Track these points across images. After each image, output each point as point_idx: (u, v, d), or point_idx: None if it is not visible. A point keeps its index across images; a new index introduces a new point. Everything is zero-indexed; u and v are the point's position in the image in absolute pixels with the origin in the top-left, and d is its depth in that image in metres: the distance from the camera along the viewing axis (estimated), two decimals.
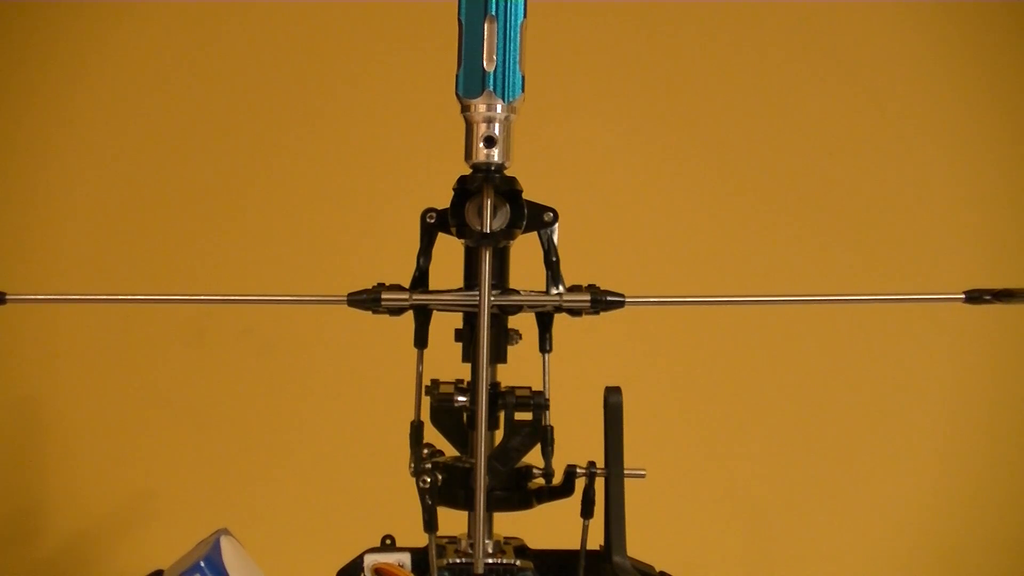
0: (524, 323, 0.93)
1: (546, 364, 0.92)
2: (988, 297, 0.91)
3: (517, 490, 0.92)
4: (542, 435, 0.91)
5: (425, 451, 0.92)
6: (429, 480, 0.86)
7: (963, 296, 0.92)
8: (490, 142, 0.86)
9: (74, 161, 1.64)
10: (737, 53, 1.66)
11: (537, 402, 0.91)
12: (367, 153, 1.64)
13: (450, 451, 0.94)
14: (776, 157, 1.66)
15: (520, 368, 0.94)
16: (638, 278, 1.51)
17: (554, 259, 0.91)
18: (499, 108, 0.85)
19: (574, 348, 0.99)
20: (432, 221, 0.91)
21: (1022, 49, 1.64)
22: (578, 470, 0.92)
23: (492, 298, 0.87)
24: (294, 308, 1.60)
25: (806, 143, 1.66)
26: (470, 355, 0.91)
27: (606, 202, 1.64)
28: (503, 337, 0.92)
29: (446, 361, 0.93)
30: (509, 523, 0.94)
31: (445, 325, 0.93)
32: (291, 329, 1.63)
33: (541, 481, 0.92)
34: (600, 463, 0.92)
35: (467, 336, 0.91)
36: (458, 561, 0.91)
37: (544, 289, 0.91)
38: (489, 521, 0.93)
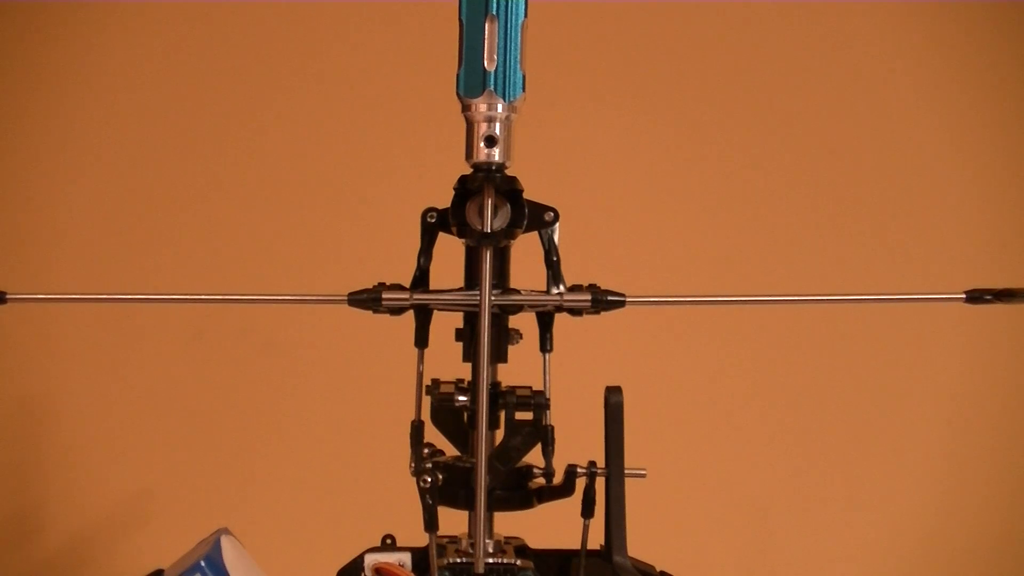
0: (525, 323, 0.93)
1: (547, 364, 0.92)
2: (989, 297, 0.91)
3: (518, 490, 0.92)
4: (543, 435, 0.91)
5: (425, 451, 0.92)
6: (429, 480, 0.86)
7: (964, 296, 0.92)
8: (491, 141, 0.86)
9: (74, 160, 1.64)
10: (737, 53, 1.66)
11: (538, 402, 0.90)
12: (367, 153, 1.64)
13: (451, 451, 0.94)
14: (776, 156, 1.66)
15: (521, 368, 0.94)
16: (638, 278, 1.51)
17: (555, 259, 0.91)
18: (500, 107, 0.85)
19: (575, 348, 0.99)
20: (433, 221, 0.91)
21: (1023, 48, 1.64)
22: (579, 470, 0.92)
23: (493, 298, 0.87)
24: (294, 308, 1.60)
25: (806, 143, 1.66)
26: (471, 355, 0.91)
27: (606, 202, 1.64)
28: (504, 337, 0.92)
29: (447, 361, 0.93)
30: (509, 523, 0.94)
31: (446, 325, 0.92)
32: (291, 329, 1.63)
33: (542, 481, 0.92)
34: (601, 463, 0.92)
35: (468, 336, 0.91)
36: (458, 561, 0.91)
37: (545, 289, 0.91)
38: (489, 521, 0.93)
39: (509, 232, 0.88)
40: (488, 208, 0.86)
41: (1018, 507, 1.64)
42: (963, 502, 1.65)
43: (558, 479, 0.92)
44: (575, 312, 0.92)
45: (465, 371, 0.92)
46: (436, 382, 0.93)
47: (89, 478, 1.62)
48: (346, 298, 0.91)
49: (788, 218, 1.66)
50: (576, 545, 0.94)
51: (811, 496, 1.65)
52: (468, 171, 0.88)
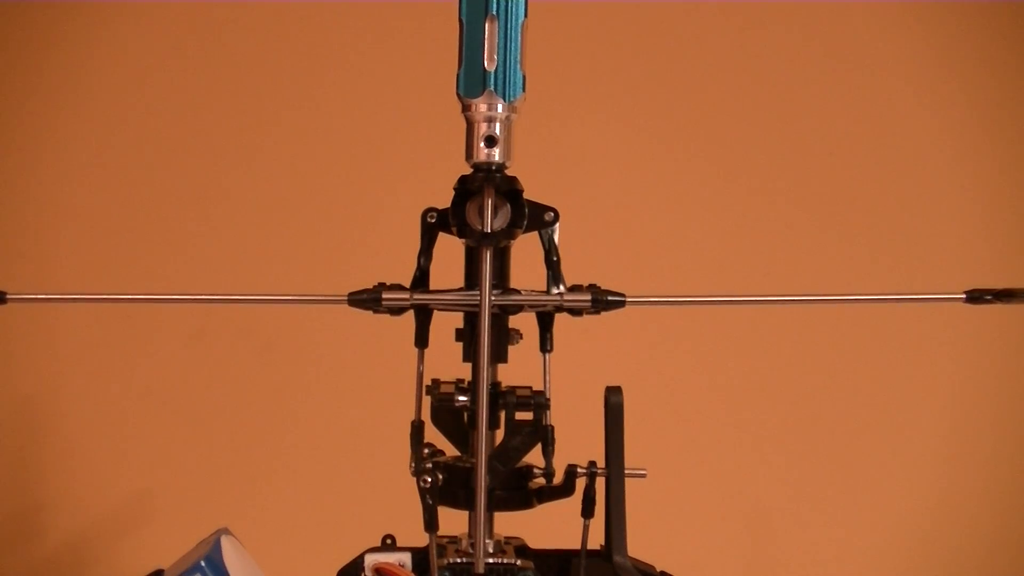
0: (525, 323, 0.93)
1: (547, 364, 0.92)
2: (989, 297, 0.91)
3: (518, 490, 0.92)
4: (543, 435, 0.91)
5: (426, 451, 0.92)
6: (430, 480, 0.85)
7: (964, 296, 0.92)
8: (491, 142, 0.86)
9: (74, 160, 1.64)
10: (737, 53, 1.66)
11: (538, 402, 0.90)
12: (367, 153, 1.64)
13: (451, 451, 0.94)
14: (777, 156, 1.66)
15: (521, 368, 0.94)
16: (638, 278, 1.51)
17: (555, 259, 0.91)
18: (500, 107, 0.85)
19: (575, 348, 0.99)
20: (433, 221, 0.91)
21: (1023, 48, 1.64)
22: (579, 470, 0.92)
23: (493, 298, 0.87)
24: (294, 308, 1.60)
25: (807, 142, 1.66)
26: (471, 355, 0.91)
27: (607, 202, 1.64)
28: (504, 337, 0.92)
29: (447, 361, 0.93)
30: (510, 523, 0.94)
31: (446, 325, 0.92)
32: (291, 329, 1.63)
33: (542, 481, 0.92)
34: (601, 463, 0.92)
35: (468, 336, 0.91)
36: (459, 561, 0.91)
37: (545, 289, 0.91)
38: (490, 521, 0.93)
39: (509, 232, 0.88)
40: (488, 208, 0.85)
41: (1017, 507, 1.64)
42: (962, 502, 1.65)
43: (558, 479, 0.92)
44: (575, 312, 0.92)
45: (465, 371, 0.92)
46: (436, 382, 0.93)
47: (89, 478, 1.62)
48: (346, 298, 0.91)
49: (788, 218, 1.66)
50: (576, 545, 0.94)
51: (811, 496, 1.65)
52: (468, 171, 0.88)
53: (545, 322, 0.93)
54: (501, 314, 0.91)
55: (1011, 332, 1.64)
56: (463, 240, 0.90)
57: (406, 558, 0.91)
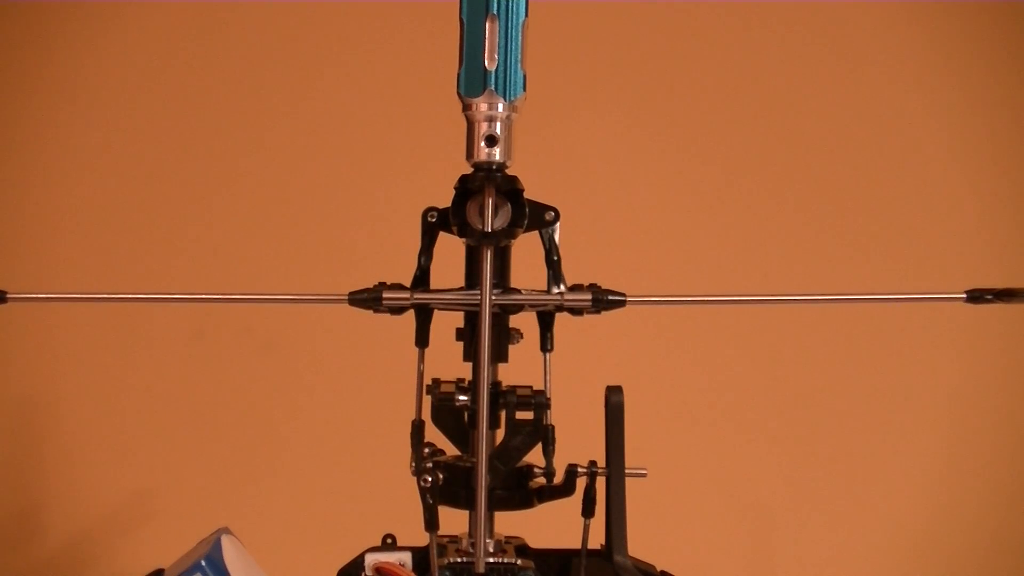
0: (525, 322, 0.93)
1: (547, 363, 0.92)
2: (989, 297, 0.91)
3: (518, 489, 0.92)
4: (543, 434, 0.91)
5: (426, 450, 0.92)
6: (430, 479, 0.85)
7: (964, 296, 0.92)
8: (491, 141, 0.86)
9: (74, 160, 1.64)
10: (737, 53, 1.66)
11: (538, 401, 0.90)
12: (368, 153, 1.64)
13: (451, 450, 0.94)
14: (777, 156, 1.66)
15: (521, 367, 0.94)
16: (639, 278, 1.51)
17: (555, 258, 0.91)
18: (500, 107, 0.85)
19: (575, 347, 0.99)
20: (433, 220, 0.91)
21: (1023, 48, 1.64)
22: (579, 469, 0.92)
23: (493, 297, 0.87)
24: (294, 308, 1.60)
25: (807, 142, 1.66)
26: (471, 354, 0.91)
27: (607, 201, 1.64)
28: (504, 336, 0.92)
29: (447, 360, 0.93)
30: (510, 522, 0.94)
31: (446, 324, 0.92)
32: (291, 329, 1.63)
33: (542, 480, 0.92)
34: (601, 462, 0.92)
35: (468, 335, 0.91)
36: (459, 560, 0.91)
37: (545, 288, 0.91)
38: (490, 520, 0.93)
39: (510, 231, 0.88)
40: (489, 208, 0.85)
41: (1017, 507, 1.64)
42: (963, 501, 1.65)
43: (559, 479, 0.92)
44: (576, 312, 0.92)
45: (465, 371, 0.92)
46: (437, 382, 0.93)
47: (89, 478, 1.61)
48: (346, 298, 0.91)
49: (788, 218, 1.66)
50: (576, 545, 0.94)
51: (811, 495, 1.65)
52: (469, 171, 0.88)
53: (546, 321, 0.93)
54: (501, 313, 0.91)
55: (1011, 332, 1.64)
56: (463, 239, 0.90)
57: (406, 558, 0.91)
